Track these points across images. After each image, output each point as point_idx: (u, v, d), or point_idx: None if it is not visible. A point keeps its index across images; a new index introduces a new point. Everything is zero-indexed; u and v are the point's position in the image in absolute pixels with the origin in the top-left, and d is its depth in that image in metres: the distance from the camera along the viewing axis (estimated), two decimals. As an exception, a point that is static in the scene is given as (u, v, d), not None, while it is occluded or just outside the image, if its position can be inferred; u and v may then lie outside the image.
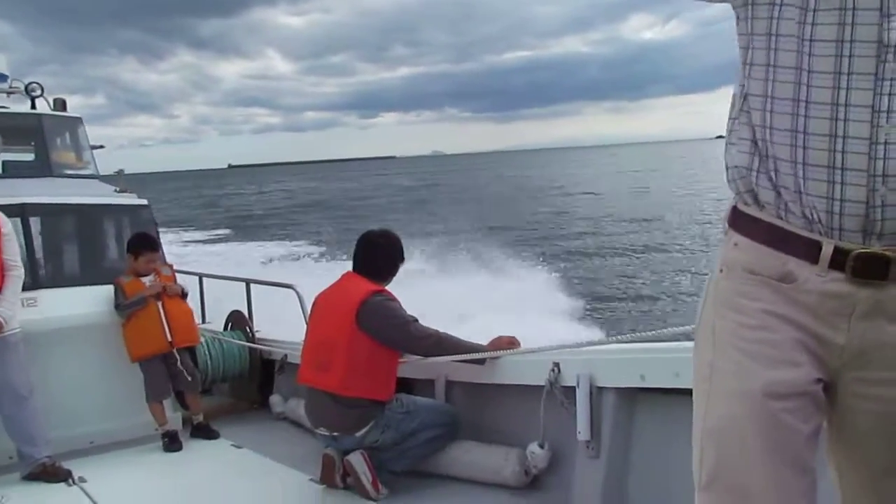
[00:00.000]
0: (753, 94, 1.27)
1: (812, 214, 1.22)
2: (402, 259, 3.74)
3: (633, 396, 2.85)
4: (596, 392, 2.87)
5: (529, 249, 22.87)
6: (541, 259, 20.29)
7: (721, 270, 1.35)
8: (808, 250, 1.23)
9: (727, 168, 1.35)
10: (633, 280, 18.14)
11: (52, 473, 3.97)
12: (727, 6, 1.32)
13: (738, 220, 1.34)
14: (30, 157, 6.43)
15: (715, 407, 1.31)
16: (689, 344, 2.58)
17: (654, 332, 2.94)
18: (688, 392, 2.46)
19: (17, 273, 4.06)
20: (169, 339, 4.53)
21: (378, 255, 3.67)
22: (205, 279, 6.39)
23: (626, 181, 58.01)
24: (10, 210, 4.35)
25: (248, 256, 25.17)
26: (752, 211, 1.32)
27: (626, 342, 2.91)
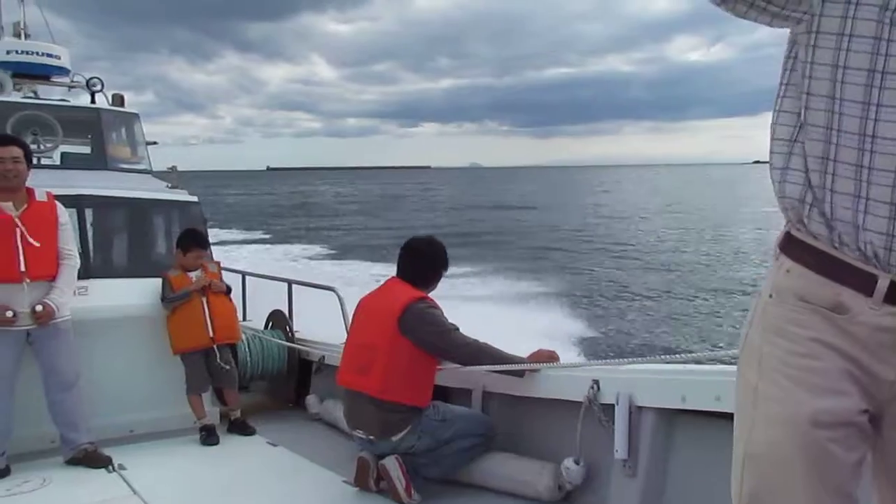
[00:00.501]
0: (814, 125, 1.25)
1: (868, 249, 1.20)
2: (444, 267, 3.75)
3: (673, 417, 2.82)
4: (635, 411, 2.85)
5: (571, 266, 22.83)
6: (579, 275, 20.23)
7: (771, 296, 1.34)
8: (863, 282, 1.22)
9: (779, 197, 1.33)
10: (673, 300, 17.93)
11: (93, 459, 4.07)
12: (781, 31, 1.31)
13: (791, 246, 1.33)
14: (87, 149, 6.62)
15: (759, 432, 1.30)
16: (732, 368, 2.56)
17: (695, 353, 2.91)
18: (729, 416, 2.43)
19: (73, 262, 4.16)
20: (210, 334, 4.61)
21: (421, 263, 3.70)
22: (248, 277, 6.50)
23: (672, 201, 57.45)
24: (67, 201, 4.46)
25: (285, 256, 25.75)
26: (807, 238, 1.30)
27: (668, 363, 2.89)
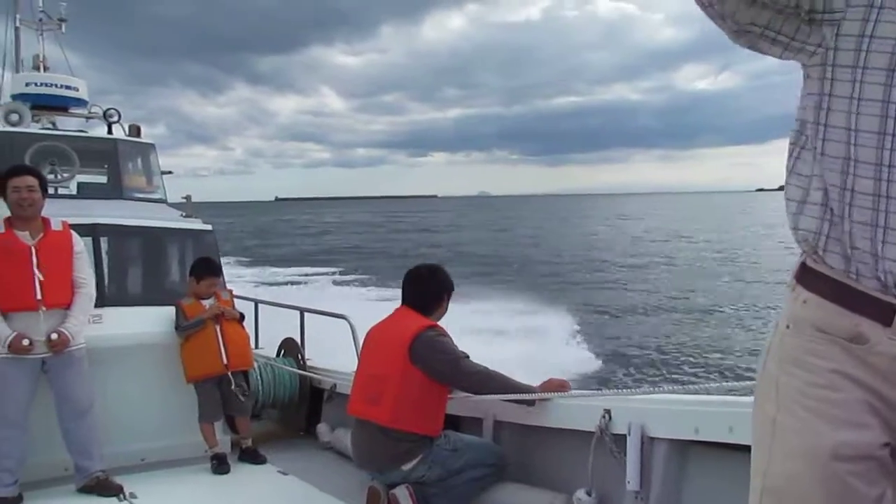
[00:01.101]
0: (831, 156, 1.25)
1: (887, 278, 1.20)
2: (448, 291, 3.74)
3: (686, 449, 2.80)
4: (647, 442, 2.83)
5: (579, 296, 22.77)
6: (589, 306, 20.17)
7: (788, 326, 1.33)
8: (881, 313, 1.21)
9: (793, 228, 1.33)
10: (682, 332, 17.81)
11: (104, 488, 4.07)
12: (788, 62, 1.32)
13: (808, 277, 1.32)
14: (103, 179, 6.71)
15: (777, 464, 1.29)
16: (745, 399, 2.55)
17: (708, 385, 2.90)
18: (742, 448, 2.41)
19: (88, 291, 4.20)
20: (224, 361, 4.63)
21: (425, 289, 3.71)
22: (260, 305, 6.53)
23: (680, 229, 57.39)
24: (83, 229, 4.52)
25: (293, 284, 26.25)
26: (823, 269, 1.30)
27: (680, 393, 2.88)
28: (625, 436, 2.86)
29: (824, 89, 1.25)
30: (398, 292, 3.75)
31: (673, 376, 13.14)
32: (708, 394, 2.82)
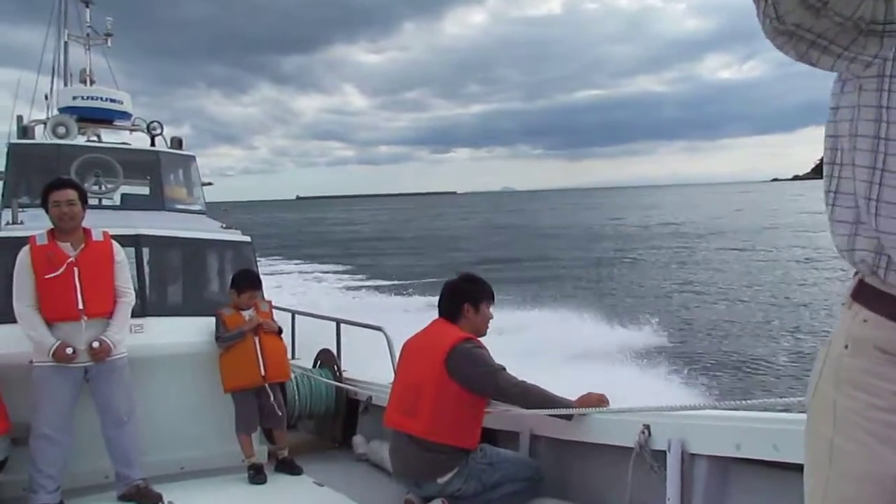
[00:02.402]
0: (860, 166, 1.21)
1: None
2: (483, 300, 3.68)
3: (727, 466, 2.73)
4: (688, 458, 2.77)
5: (618, 302, 22.52)
6: (631, 313, 19.92)
7: (846, 346, 1.28)
8: None
9: (849, 251, 1.28)
10: (726, 342, 17.48)
11: (144, 496, 4.13)
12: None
13: (867, 295, 1.27)
14: (146, 190, 6.84)
15: (836, 490, 1.24)
16: (788, 415, 2.48)
17: (751, 401, 2.82)
18: (787, 466, 2.34)
19: (128, 300, 4.28)
20: (262, 373, 4.67)
21: (448, 300, 3.69)
22: (297, 316, 6.58)
23: (721, 225, 56.40)
24: (125, 240, 4.60)
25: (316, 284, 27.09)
26: (885, 287, 1.24)
27: (723, 409, 2.81)
28: (664, 452, 2.81)
29: (882, 101, 1.20)
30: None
31: (714, 390, 12.90)
32: (753, 409, 2.75)
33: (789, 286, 25.28)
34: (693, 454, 2.76)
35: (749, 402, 2.75)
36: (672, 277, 28.40)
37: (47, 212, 4.13)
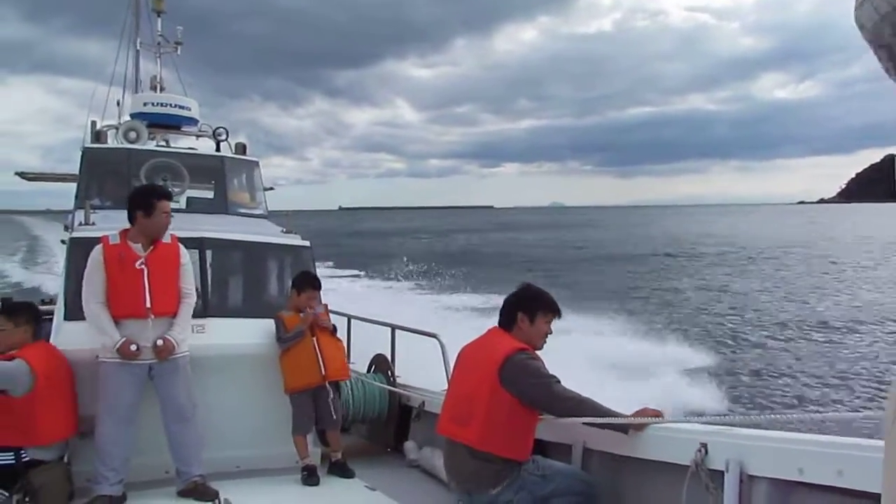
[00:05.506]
0: None
1: None
2: (524, 310, 3.58)
3: (789, 490, 2.64)
4: (746, 480, 2.69)
5: (672, 316, 22.09)
6: (685, 327, 19.52)
7: None
8: None
9: None
10: (785, 357, 16.95)
11: (202, 492, 4.23)
12: (875, 66, 1.21)
13: None
14: (210, 194, 7.02)
15: None
16: (854, 440, 2.39)
17: (812, 414, 2.73)
18: (851, 493, 2.25)
19: (191, 301, 4.41)
20: (322, 372, 4.74)
21: (504, 308, 3.65)
22: (352, 321, 6.64)
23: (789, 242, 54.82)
24: (190, 243, 4.74)
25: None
26: None
27: (782, 427, 2.73)
28: (722, 472, 2.74)
29: None
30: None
31: (773, 405, 12.51)
32: (816, 432, 2.66)
33: (860, 309, 24.41)
34: (752, 475, 2.68)
35: (811, 415, 2.66)
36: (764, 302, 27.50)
37: (149, 215, 4.27)
